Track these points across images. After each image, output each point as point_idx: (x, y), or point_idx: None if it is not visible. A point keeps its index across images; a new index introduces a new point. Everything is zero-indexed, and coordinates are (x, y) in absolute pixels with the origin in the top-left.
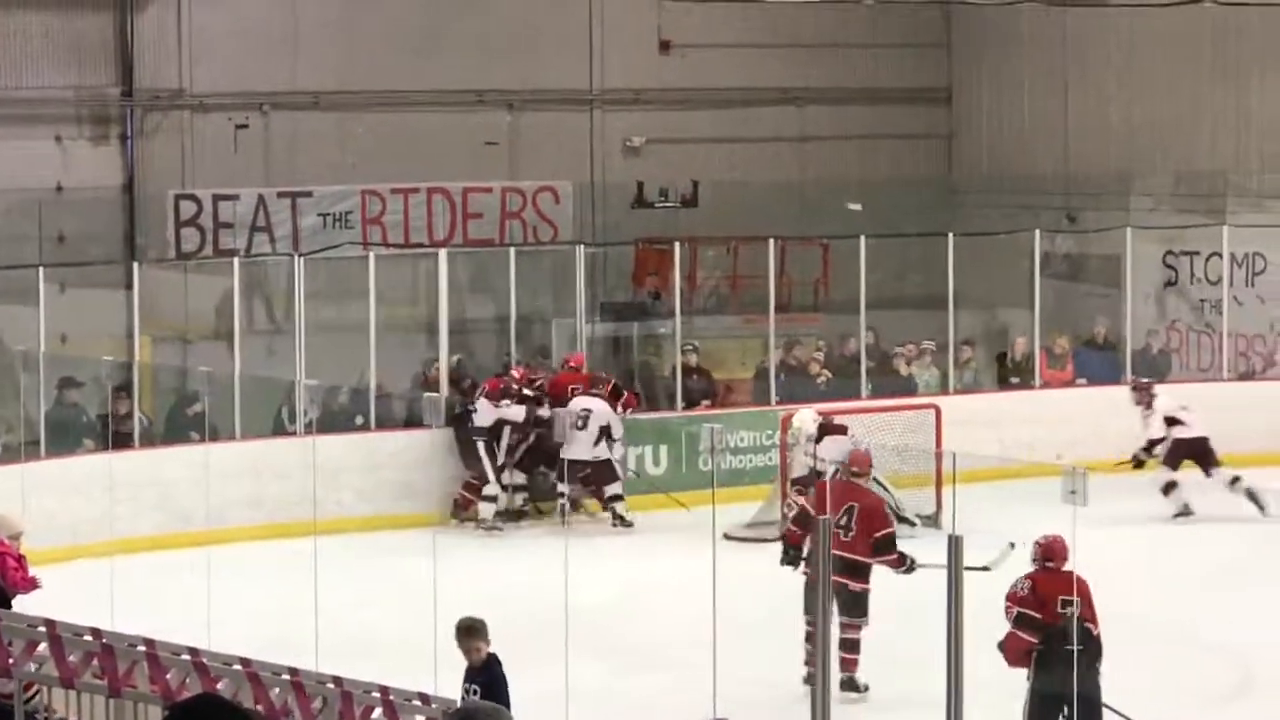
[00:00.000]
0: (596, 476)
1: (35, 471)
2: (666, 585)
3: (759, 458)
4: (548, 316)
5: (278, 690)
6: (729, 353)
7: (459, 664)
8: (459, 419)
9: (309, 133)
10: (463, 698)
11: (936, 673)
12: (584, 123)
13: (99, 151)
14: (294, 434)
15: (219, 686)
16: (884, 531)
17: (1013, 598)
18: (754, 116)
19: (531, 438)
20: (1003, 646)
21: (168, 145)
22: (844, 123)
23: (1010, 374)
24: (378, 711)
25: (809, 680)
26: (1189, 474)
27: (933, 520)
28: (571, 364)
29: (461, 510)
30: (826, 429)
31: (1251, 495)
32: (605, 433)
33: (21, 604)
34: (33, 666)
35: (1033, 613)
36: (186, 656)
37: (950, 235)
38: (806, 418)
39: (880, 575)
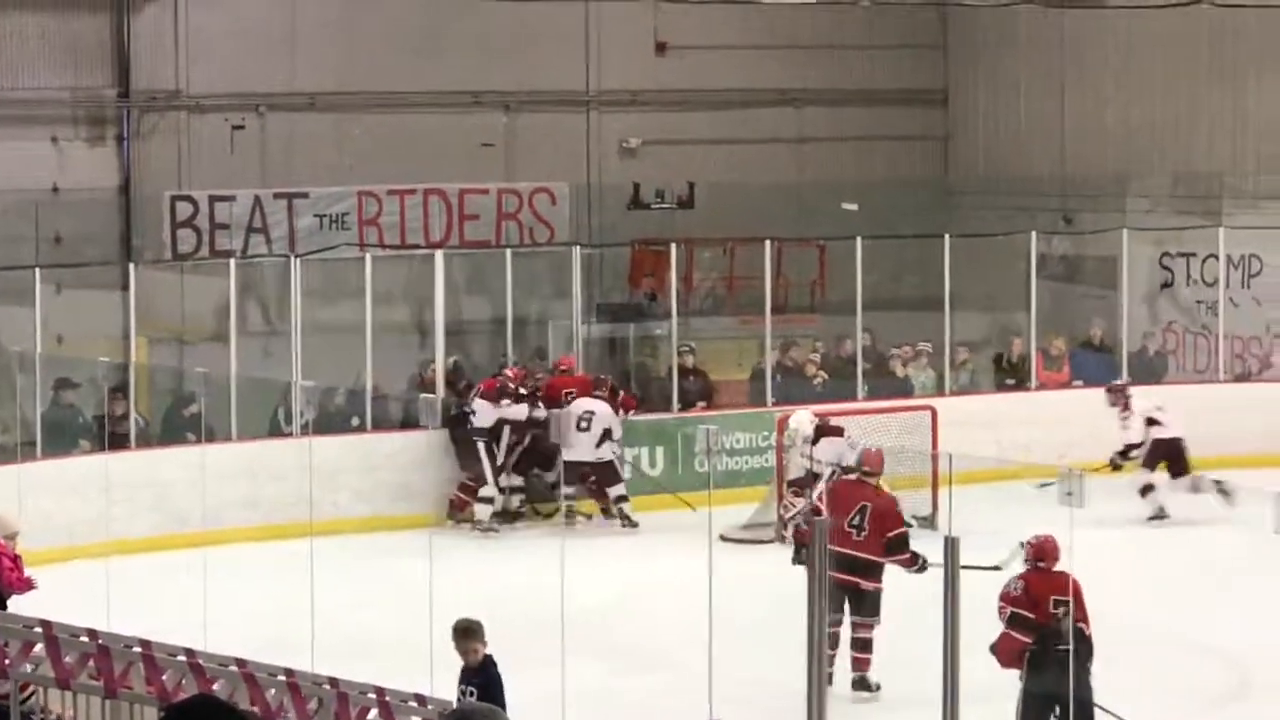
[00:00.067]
0: (600, 478)
1: (31, 472)
2: (663, 587)
3: (755, 459)
4: (544, 318)
5: (274, 691)
6: (725, 354)
7: (455, 665)
8: (456, 420)
9: (305, 134)
10: (459, 699)
11: (939, 672)
12: (580, 124)
13: (95, 152)
14: (290, 435)
15: (215, 687)
16: (896, 531)
17: (1006, 598)
18: (750, 118)
19: (527, 439)
20: (995, 648)
21: (164, 146)
22: (840, 124)
23: (1007, 375)
24: (373, 713)
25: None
26: (1165, 476)
27: (929, 522)
28: (562, 366)
29: (458, 511)
30: (823, 430)
31: (1218, 486)
32: (607, 434)
33: (17, 604)
34: (29, 667)
35: (1026, 613)
36: (182, 657)
37: (947, 237)
38: (803, 419)
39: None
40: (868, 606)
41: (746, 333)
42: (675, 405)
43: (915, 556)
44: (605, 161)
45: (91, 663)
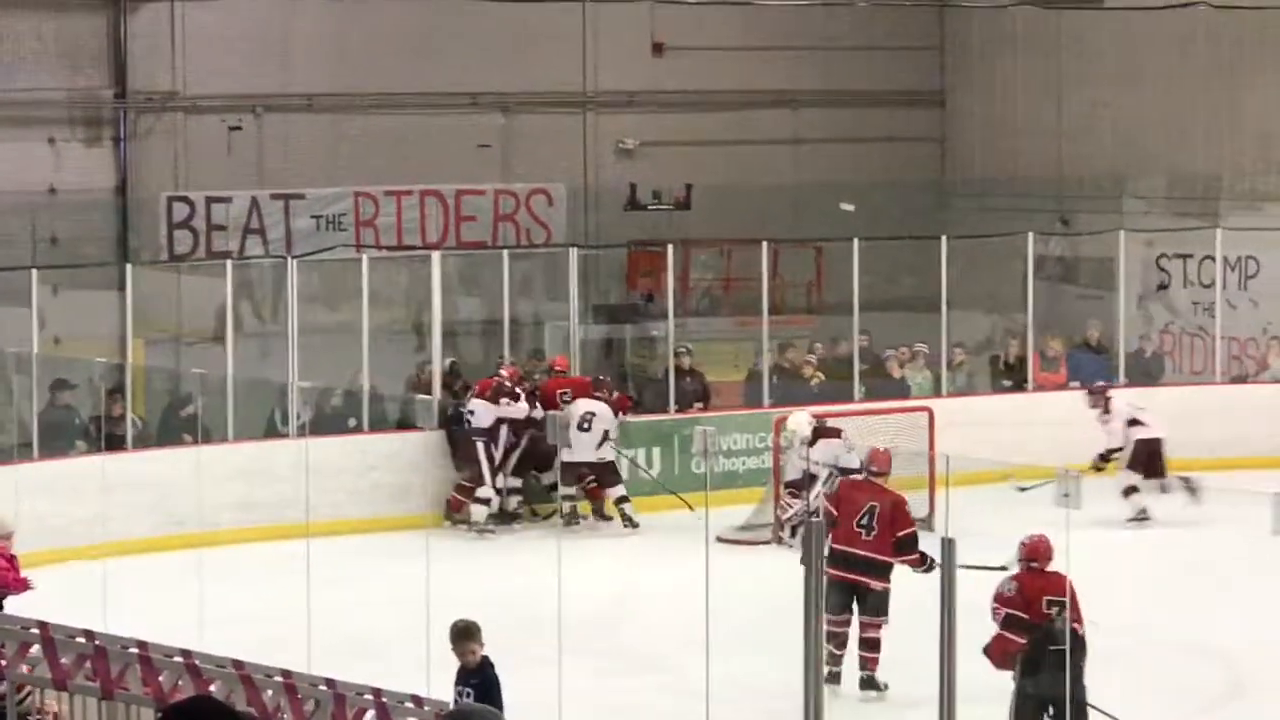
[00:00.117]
0: (601, 478)
1: (28, 473)
2: (660, 588)
3: (752, 460)
4: (541, 319)
5: (270, 692)
6: (722, 355)
7: (452, 666)
8: (452, 421)
9: (302, 135)
10: (456, 700)
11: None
12: (577, 125)
13: (92, 153)
14: (287, 436)
15: (212, 688)
16: (906, 531)
17: (1000, 599)
18: (747, 119)
19: (525, 440)
20: (988, 650)
21: (161, 147)
22: (837, 125)
23: (1003, 377)
24: (370, 714)
25: (831, 679)
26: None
27: (926, 523)
28: (557, 367)
29: (455, 512)
30: (820, 432)
31: (1186, 484)
32: (608, 435)
33: (14, 605)
34: (25, 668)
35: (1020, 613)
36: (179, 658)
37: (943, 238)
38: (800, 420)
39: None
40: (876, 606)
41: (743, 334)
42: (672, 406)
43: (924, 556)
44: (602, 162)
45: (88, 663)
